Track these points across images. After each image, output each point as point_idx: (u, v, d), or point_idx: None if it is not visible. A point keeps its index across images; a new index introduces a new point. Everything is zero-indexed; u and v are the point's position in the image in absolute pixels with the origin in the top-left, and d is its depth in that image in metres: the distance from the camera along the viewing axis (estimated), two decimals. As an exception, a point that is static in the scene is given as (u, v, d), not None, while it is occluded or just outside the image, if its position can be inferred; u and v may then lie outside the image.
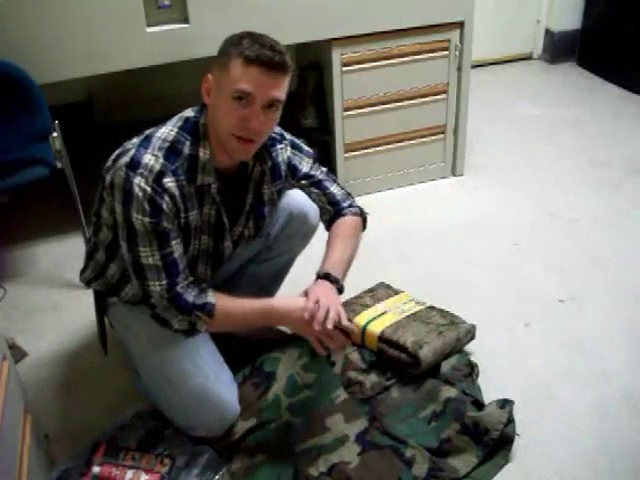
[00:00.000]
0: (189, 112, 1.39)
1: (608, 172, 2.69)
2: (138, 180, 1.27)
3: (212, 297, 1.36)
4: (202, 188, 1.37)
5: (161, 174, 1.29)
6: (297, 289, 1.81)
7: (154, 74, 2.29)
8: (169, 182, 1.30)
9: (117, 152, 1.36)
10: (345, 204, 1.56)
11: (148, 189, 1.27)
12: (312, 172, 1.55)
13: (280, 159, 1.51)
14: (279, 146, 1.51)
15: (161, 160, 1.30)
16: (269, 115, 1.31)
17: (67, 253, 2.24)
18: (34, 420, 1.39)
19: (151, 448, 1.42)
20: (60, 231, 2.36)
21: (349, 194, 1.60)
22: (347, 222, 1.55)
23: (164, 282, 1.31)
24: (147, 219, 1.28)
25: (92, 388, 1.70)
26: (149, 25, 2.02)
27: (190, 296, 1.34)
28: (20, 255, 2.29)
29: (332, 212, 1.56)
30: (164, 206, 1.29)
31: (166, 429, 1.46)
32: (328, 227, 1.59)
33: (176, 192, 1.31)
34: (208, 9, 2.05)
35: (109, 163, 1.36)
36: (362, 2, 2.21)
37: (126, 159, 1.30)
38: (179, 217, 1.34)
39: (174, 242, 1.33)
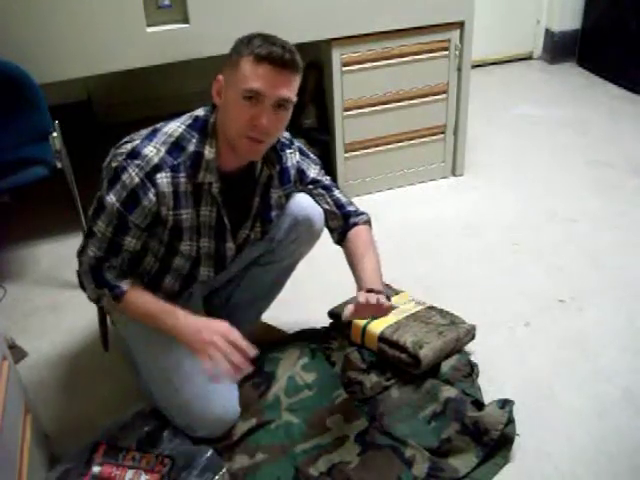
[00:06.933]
0: (200, 111, 1.39)
1: (608, 172, 2.69)
2: (132, 169, 1.29)
3: (126, 285, 1.38)
4: (202, 186, 1.37)
5: (157, 168, 1.30)
6: (298, 291, 1.82)
7: (154, 74, 2.29)
8: (163, 177, 1.31)
9: (124, 140, 1.37)
10: (351, 208, 1.56)
11: (136, 180, 1.29)
12: (319, 177, 1.56)
13: (290, 163, 1.51)
14: (288, 151, 1.51)
15: (162, 154, 1.31)
16: (279, 115, 1.30)
17: (67, 253, 2.22)
18: (34, 420, 1.39)
19: (151, 448, 1.42)
20: (60, 231, 2.35)
21: (351, 202, 1.60)
22: (363, 232, 1.54)
23: (99, 253, 1.36)
24: (117, 205, 1.31)
25: (92, 388, 1.71)
26: (149, 25, 2.02)
27: (109, 275, 1.38)
28: (20, 255, 2.29)
29: (340, 218, 1.55)
30: (144, 202, 1.31)
31: (166, 429, 1.46)
32: (340, 238, 1.56)
33: (167, 189, 1.32)
34: (208, 9, 2.05)
35: (113, 149, 1.37)
36: (362, 2, 2.21)
37: (129, 147, 1.32)
38: (161, 214, 1.35)
39: (128, 238, 1.36)
